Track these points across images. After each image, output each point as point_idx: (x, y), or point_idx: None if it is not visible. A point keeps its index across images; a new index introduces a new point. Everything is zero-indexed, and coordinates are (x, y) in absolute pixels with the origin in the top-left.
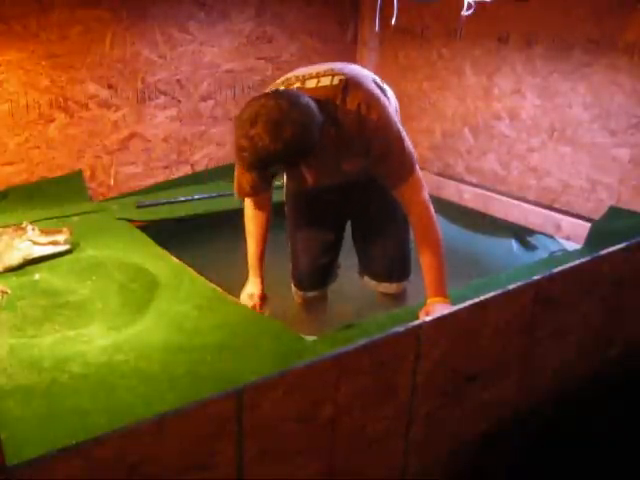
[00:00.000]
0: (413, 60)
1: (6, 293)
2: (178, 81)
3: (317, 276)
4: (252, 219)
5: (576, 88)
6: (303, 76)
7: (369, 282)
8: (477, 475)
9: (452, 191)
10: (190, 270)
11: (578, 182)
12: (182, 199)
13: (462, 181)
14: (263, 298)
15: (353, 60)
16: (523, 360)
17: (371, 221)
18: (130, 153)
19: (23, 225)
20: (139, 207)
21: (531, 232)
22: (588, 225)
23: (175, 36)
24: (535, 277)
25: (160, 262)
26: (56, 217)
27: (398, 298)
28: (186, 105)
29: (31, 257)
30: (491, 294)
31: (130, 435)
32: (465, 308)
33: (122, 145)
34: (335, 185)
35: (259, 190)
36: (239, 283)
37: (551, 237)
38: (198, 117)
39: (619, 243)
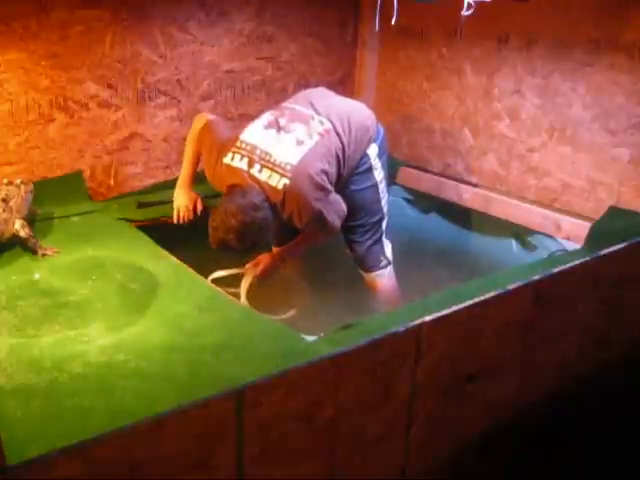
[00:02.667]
0: (413, 60)
1: None
2: (178, 81)
3: None
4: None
5: (576, 88)
6: (266, 156)
7: None
8: (477, 475)
9: (452, 191)
10: (190, 270)
11: (578, 182)
12: None
13: (462, 181)
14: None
15: (353, 60)
16: (523, 360)
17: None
18: (130, 153)
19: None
20: (139, 207)
21: (531, 232)
22: (588, 225)
23: (175, 36)
24: (535, 277)
25: (160, 262)
26: (56, 217)
27: (372, 290)
28: (186, 105)
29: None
30: (491, 294)
31: (130, 435)
32: (465, 308)
33: (122, 145)
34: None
35: None
36: (239, 283)
37: (551, 237)
38: None
39: (619, 243)
